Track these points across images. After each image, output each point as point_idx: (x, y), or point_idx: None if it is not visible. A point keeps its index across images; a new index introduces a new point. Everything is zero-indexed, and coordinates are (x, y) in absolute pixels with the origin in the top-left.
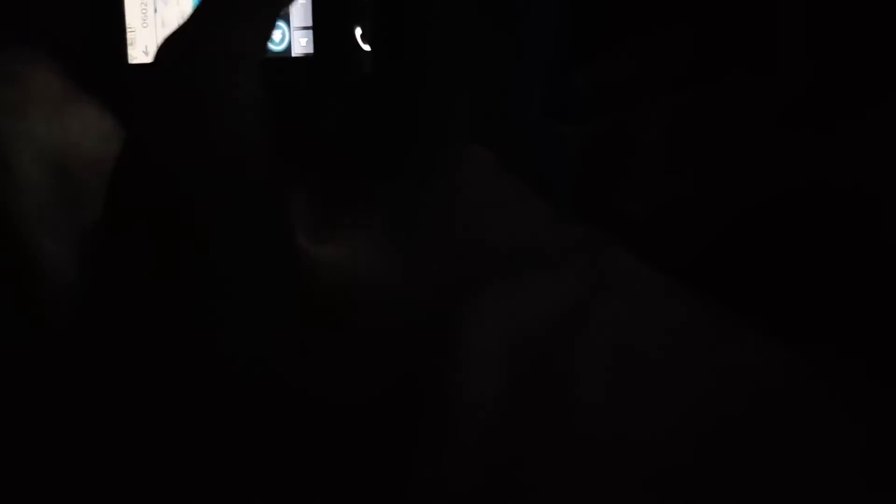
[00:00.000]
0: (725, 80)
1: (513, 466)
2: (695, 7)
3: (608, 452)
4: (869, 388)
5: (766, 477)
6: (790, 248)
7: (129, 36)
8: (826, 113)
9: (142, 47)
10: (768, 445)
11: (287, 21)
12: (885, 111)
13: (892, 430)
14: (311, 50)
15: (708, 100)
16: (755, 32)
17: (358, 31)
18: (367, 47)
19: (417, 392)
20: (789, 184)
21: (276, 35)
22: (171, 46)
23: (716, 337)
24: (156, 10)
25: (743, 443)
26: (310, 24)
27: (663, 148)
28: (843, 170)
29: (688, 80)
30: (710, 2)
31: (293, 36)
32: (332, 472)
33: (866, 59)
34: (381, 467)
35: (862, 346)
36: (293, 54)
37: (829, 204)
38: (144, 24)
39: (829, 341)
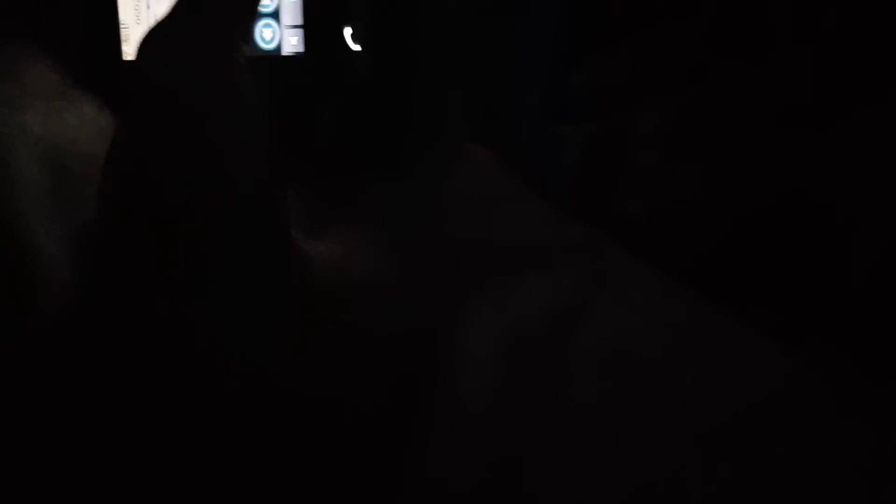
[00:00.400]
0: (724, 81)
1: (508, 466)
2: (693, 7)
3: (605, 453)
4: (869, 388)
5: (764, 477)
6: (790, 249)
7: (122, 32)
8: (825, 114)
9: (136, 44)
10: (767, 446)
11: (278, 19)
12: (883, 111)
13: (892, 431)
14: (301, 49)
15: (708, 100)
16: (753, 32)
17: (348, 31)
18: (356, 47)
19: (413, 392)
20: (790, 184)
21: (268, 34)
22: (151, 42)
23: (715, 337)
24: (148, 7)
25: (742, 444)
26: (300, 22)
27: (663, 148)
28: (843, 170)
29: (687, 80)
30: (708, 2)
31: (284, 34)
32: (327, 473)
33: (864, 58)
34: (376, 467)
35: (861, 346)
36: (284, 53)
37: (829, 204)
38: (138, 21)
39: (829, 341)
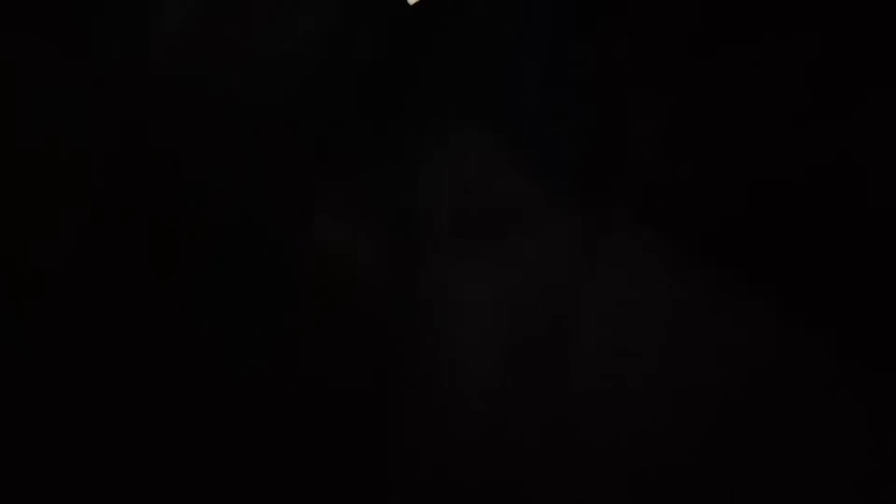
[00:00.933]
0: (724, 80)
1: (508, 465)
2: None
3: (605, 451)
4: (869, 387)
5: (763, 476)
6: (788, 237)
7: None
8: (823, 105)
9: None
10: (767, 445)
11: None
12: (882, 104)
13: (892, 431)
14: None
15: (707, 99)
16: (751, 18)
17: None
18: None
19: (412, 391)
20: (789, 172)
21: None
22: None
23: (714, 330)
24: None
25: (741, 441)
26: None
27: (662, 137)
28: (843, 167)
29: (686, 68)
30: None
31: None
32: (325, 472)
33: (863, 58)
34: (374, 466)
35: (861, 344)
36: None
37: (828, 195)
38: None
39: (829, 340)
